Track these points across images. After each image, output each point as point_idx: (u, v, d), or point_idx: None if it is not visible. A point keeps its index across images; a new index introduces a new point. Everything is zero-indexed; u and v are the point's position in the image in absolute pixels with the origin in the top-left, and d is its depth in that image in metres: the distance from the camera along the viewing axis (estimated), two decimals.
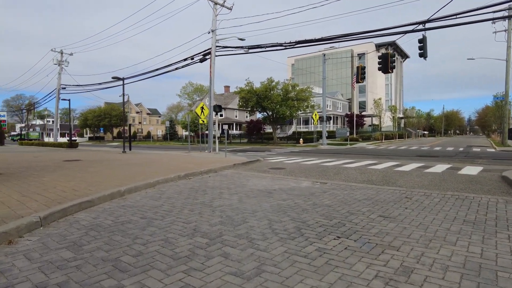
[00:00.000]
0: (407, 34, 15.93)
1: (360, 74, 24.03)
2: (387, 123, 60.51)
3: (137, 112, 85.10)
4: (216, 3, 19.34)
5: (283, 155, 18.69)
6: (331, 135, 39.25)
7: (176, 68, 22.24)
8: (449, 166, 11.82)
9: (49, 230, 4.02)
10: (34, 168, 10.23)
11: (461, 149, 24.26)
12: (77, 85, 33.70)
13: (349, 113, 52.71)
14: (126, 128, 31.91)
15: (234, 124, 55.67)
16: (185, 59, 21.30)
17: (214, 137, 20.15)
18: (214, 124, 20.32)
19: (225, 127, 18.65)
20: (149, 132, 68.59)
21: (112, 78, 24.30)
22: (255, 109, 36.23)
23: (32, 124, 78.40)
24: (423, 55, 15.96)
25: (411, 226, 4.11)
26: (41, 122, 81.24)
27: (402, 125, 73.13)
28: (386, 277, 2.68)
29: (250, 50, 19.76)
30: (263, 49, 19.40)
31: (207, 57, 20.39)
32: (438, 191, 6.53)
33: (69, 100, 30.31)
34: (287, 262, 2.99)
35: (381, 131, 51.50)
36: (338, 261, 3.02)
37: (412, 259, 3.05)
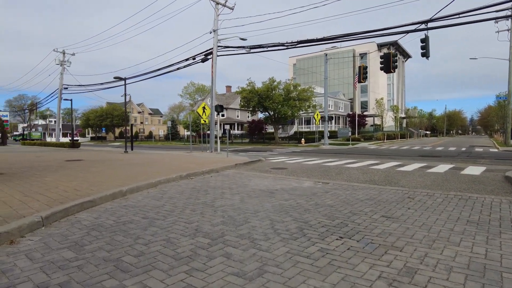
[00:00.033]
0: (408, 33, 15.89)
1: (362, 74, 23.98)
2: (389, 123, 60.42)
3: (139, 112, 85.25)
4: (217, 3, 19.34)
5: (285, 155, 18.66)
6: (333, 135, 39.19)
7: (178, 68, 22.28)
8: (451, 166, 11.76)
9: (51, 230, 4.02)
10: (36, 168, 10.25)
11: (463, 149, 24.16)
12: (79, 85, 33.85)
13: (351, 113, 52.61)
14: (128, 128, 31.95)
15: (236, 124, 55.68)
16: (186, 59, 21.34)
17: (216, 137, 20.14)
18: (215, 124, 20.32)
19: (227, 127, 18.71)
20: (151, 132, 68.63)
21: (114, 78, 24.38)
22: (256, 109, 36.23)
23: (34, 124, 78.70)
24: (425, 54, 15.92)
25: (414, 226, 4.09)
26: (43, 122, 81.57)
27: (404, 125, 72.95)
28: (390, 277, 2.66)
29: (252, 50, 19.76)
30: (265, 49, 19.40)
31: (208, 57, 20.39)
32: (441, 191, 6.49)
33: (71, 100, 30.43)
34: (289, 263, 2.97)
35: (383, 131, 51.37)
36: (341, 261, 3.00)
37: (416, 259, 3.02)
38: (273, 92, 33.85)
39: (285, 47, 19.08)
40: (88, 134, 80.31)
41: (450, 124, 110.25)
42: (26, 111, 75.89)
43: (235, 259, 3.06)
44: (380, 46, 58.42)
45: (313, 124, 45.78)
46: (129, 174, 8.65)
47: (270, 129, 44.15)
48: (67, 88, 35.16)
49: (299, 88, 35.34)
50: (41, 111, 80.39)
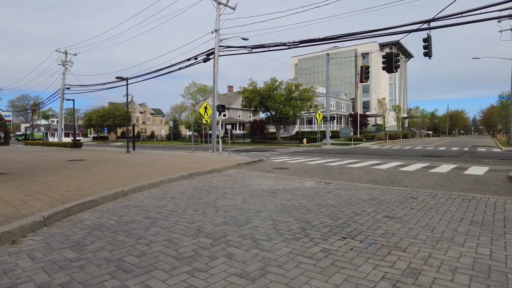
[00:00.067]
0: (410, 33, 15.82)
1: (364, 74, 23.90)
2: (391, 123, 60.21)
3: (141, 112, 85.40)
4: (219, 3, 19.34)
5: (287, 155, 18.63)
6: (334, 135, 39.12)
7: (180, 68, 22.27)
8: (454, 166, 11.70)
9: (53, 230, 4.01)
10: (38, 167, 10.27)
11: (466, 149, 24.05)
12: (81, 85, 33.97)
13: (353, 113, 52.53)
14: (130, 128, 32.01)
15: (238, 124, 55.65)
16: (188, 59, 21.31)
17: (218, 137, 20.14)
18: (217, 124, 20.31)
19: (229, 127, 18.66)
20: (152, 132, 68.73)
21: (116, 78, 24.40)
22: (258, 109, 36.19)
23: (36, 124, 78.97)
24: (427, 54, 15.83)
25: (418, 226, 4.06)
26: (46, 122, 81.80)
27: (406, 125, 72.75)
28: (393, 278, 2.63)
29: (254, 50, 19.71)
30: (267, 49, 19.34)
31: (210, 57, 20.38)
32: (444, 192, 6.45)
33: (73, 100, 30.51)
34: (292, 263, 2.95)
35: (385, 131, 51.23)
36: (344, 262, 2.97)
37: (420, 260, 2.99)
38: (275, 92, 33.80)
39: (286, 47, 19.02)
40: (90, 134, 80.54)
41: (453, 124, 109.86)
42: (29, 111, 76.21)
43: (237, 259, 3.04)
44: (382, 46, 58.19)
45: (315, 124, 45.66)
46: (131, 174, 8.65)
47: (271, 129, 44.12)
48: (69, 88, 35.26)
49: (301, 88, 35.29)
50: (43, 111, 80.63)
